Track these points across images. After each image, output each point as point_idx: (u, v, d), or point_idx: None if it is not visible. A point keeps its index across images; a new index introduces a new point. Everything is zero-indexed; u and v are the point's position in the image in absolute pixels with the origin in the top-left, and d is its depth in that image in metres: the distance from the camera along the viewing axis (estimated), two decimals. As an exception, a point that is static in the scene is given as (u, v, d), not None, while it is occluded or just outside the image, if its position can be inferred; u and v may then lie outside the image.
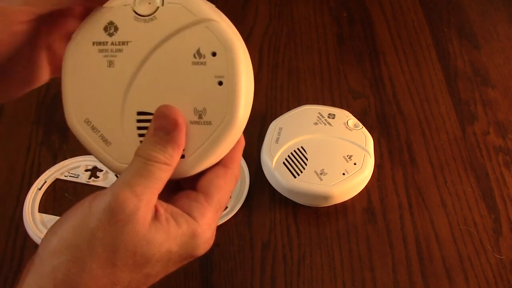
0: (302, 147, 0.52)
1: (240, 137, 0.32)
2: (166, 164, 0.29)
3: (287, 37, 0.69)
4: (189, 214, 0.30)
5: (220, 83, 0.30)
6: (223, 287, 0.48)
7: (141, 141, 0.30)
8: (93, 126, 0.31)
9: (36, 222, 0.50)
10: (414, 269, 0.49)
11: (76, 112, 0.31)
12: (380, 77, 0.65)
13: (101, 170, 0.54)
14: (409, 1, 0.74)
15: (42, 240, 0.28)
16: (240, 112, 0.30)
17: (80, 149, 0.56)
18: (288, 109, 0.56)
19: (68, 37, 0.31)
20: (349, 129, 0.53)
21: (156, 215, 0.28)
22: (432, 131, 0.59)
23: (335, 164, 0.50)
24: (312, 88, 0.63)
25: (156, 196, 0.29)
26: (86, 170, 0.54)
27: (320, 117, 0.54)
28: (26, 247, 0.49)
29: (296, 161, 0.51)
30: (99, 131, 0.31)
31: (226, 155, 0.32)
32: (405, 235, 0.51)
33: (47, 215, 0.51)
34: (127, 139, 0.31)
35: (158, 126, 0.29)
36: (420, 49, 0.68)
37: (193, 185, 0.32)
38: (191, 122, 0.30)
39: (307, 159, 0.51)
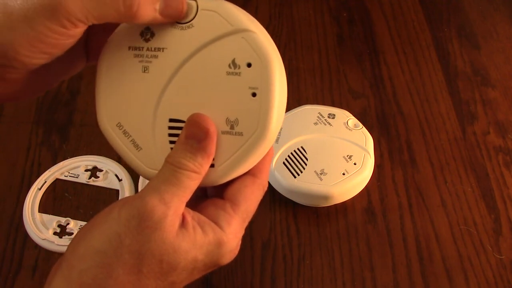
0: (302, 147, 0.52)
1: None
2: (195, 172, 0.29)
3: (287, 37, 0.69)
4: (215, 222, 0.30)
5: (254, 95, 0.30)
6: (223, 287, 0.48)
7: (171, 148, 0.30)
8: (124, 130, 0.31)
9: (36, 222, 0.50)
10: (414, 269, 0.49)
11: (109, 115, 0.32)
12: (380, 77, 0.65)
13: (101, 170, 0.54)
14: (409, 1, 0.74)
15: (70, 244, 0.29)
16: (272, 125, 0.30)
17: (80, 149, 0.56)
18: (288, 109, 0.56)
19: (107, 29, 0.31)
20: (349, 129, 0.53)
21: (183, 223, 0.28)
22: (432, 131, 0.59)
23: (335, 164, 0.50)
24: (312, 88, 0.63)
25: (184, 204, 0.29)
26: (86, 170, 0.54)
27: (320, 117, 0.54)
28: (26, 247, 0.49)
29: (296, 161, 0.51)
30: (130, 136, 0.31)
31: (255, 165, 0.32)
32: (405, 235, 0.51)
33: (47, 215, 0.51)
34: (158, 146, 0.31)
35: (190, 134, 0.29)
36: (420, 49, 0.68)
37: (220, 193, 0.32)
38: (223, 132, 0.30)
39: (307, 159, 0.51)
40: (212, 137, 0.29)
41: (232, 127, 0.30)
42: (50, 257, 0.49)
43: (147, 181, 0.55)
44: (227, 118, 0.30)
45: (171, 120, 0.31)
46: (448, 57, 0.67)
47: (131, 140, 0.31)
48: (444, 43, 0.69)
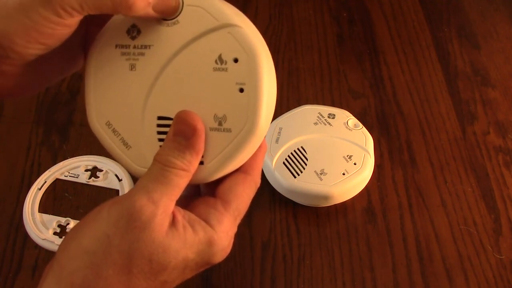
0: (302, 147, 0.52)
1: (262, 144, 0.32)
2: (184, 170, 0.29)
3: (287, 37, 0.69)
4: (206, 221, 0.29)
5: (241, 90, 0.29)
6: (223, 287, 0.48)
7: (160, 146, 0.30)
8: (114, 129, 0.31)
9: (36, 222, 0.50)
10: (414, 269, 0.49)
11: (98, 114, 0.32)
12: (380, 77, 0.65)
13: (101, 170, 0.54)
14: (409, 1, 0.74)
15: (61, 244, 0.29)
16: (261, 121, 0.29)
17: (80, 149, 0.56)
18: (288, 109, 0.56)
19: (104, 25, 0.31)
20: (349, 129, 0.53)
21: (173, 221, 0.28)
22: (432, 131, 0.59)
23: (335, 164, 0.50)
24: (312, 88, 0.63)
25: (174, 202, 0.28)
26: (86, 170, 0.54)
27: (320, 117, 0.54)
28: (26, 247, 0.49)
29: (296, 161, 0.51)
30: (119, 134, 0.31)
31: (247, 161, 0.31)
32: (405, 235, 0.51)
33: (47, 215, 0.51)
34: (147, 143, 0.31)
35: (177, 131, 0.29)
36: (420, 49, 0.68)
37: (213, 190, 0.31)
38: (211, 129, 0.30)
39: (307, 159, 0.51)
40: (200, 133, 0.29)
41: (220, 124, 0.30)
42: (50, 257, 0.49)
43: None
44: (215, 115, 0.30)
45: (159, 118, 0.31)
46: (448, 57, 0.67)
47: (121, 139, 0.31)
48: (444, 43, 0.69)
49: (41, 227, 0.50)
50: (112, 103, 0.31)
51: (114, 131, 0.31)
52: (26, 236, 0.50)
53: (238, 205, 0.31)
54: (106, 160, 0.55)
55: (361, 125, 0.54)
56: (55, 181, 0.54)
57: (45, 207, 0.52)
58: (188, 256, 0.28)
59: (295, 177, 0.50)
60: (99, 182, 0.54)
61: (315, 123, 0.54)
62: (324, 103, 0.61)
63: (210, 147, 0.30)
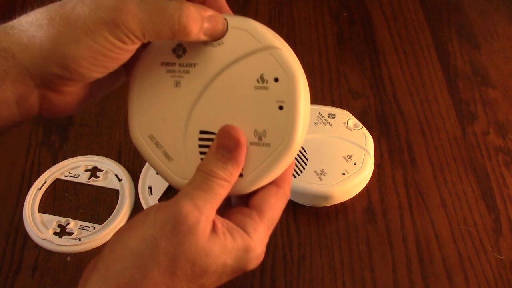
0: (302, 147, 0.52)
1: None
2: (226, 180, 0.30)
3: (287, 37, 0.68)
4: (243, 229, 0.31)
5: (281, 108, 0.31)
6: (224, 286, 0.48)
7: (201, 159, 0.32)
8: (156, 142, 0.33)
9: (36, 222, 0.50)
10: (414, 269, 0.49)
11: (141, 127, 0.33)
12: (380, 77, 0.65)
13: (101, 170, 0.54)
14: (409, 1, 0.74)
15: (106, 245, 0.30)
16: (298, 137, 0.31)
17: (80, 149, 0.56)
18: (288, 109, 0.56)
19: (144, 44, 0.33)
20: (349, 129, 0.53)
21: (214, 228, 0.30)
22: (432, 131, 0.59)
23: (335, 164, 0.51)
24: (312, 88, 0.63)
25: (215, 210, 0.30)
26: (86, 170, 0.54)
27: (320, 117, 0.54)
28: (26, 247, 0.49)
29: (296, 161, 0.51)
30: (162, 147, 0.33)
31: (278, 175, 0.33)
32: (405, 235, 0.51)
33: (47, 215, 0.51)
34: (188, 156, 0.32)
35: (221, 144, 0.31)
36: (420, 49, 0.68)
37: (244, 202, 0.33)
38: (251, 143, 0.32)
39: (307, 159, 0.51)
40: (243, 147, 0.31)
41: (260, 139, 0.31)
42: (50, 257, 0.49)
43: (147, 183, 0.56)
44: (255, 130, 0.31)
45: (201, 132, 0.32)
46: (448, 57, 0.67)
47: (163, 151, 0.33)
48: (444, 43, 0.69)
49: (41, 227, 0.50)
50: (156, 117, 0.33)
51: (156, 143, 0.33)
52: (26, 236, 0.50)
53: (272, 216, 0.32)
54: (106, 160, 0.55)
55: (361, 125, 0.54)
56: (55, 181, 0.54)
57: (45, 207, 0.52)
58: (227, 261, 0.30)
59: (295, 177, 0.50)
60: (99, 182, 0.54)
61: (315, 123, 0.54)
62: (324, 103, 0.61)
63: (250, 160, 0.32)
